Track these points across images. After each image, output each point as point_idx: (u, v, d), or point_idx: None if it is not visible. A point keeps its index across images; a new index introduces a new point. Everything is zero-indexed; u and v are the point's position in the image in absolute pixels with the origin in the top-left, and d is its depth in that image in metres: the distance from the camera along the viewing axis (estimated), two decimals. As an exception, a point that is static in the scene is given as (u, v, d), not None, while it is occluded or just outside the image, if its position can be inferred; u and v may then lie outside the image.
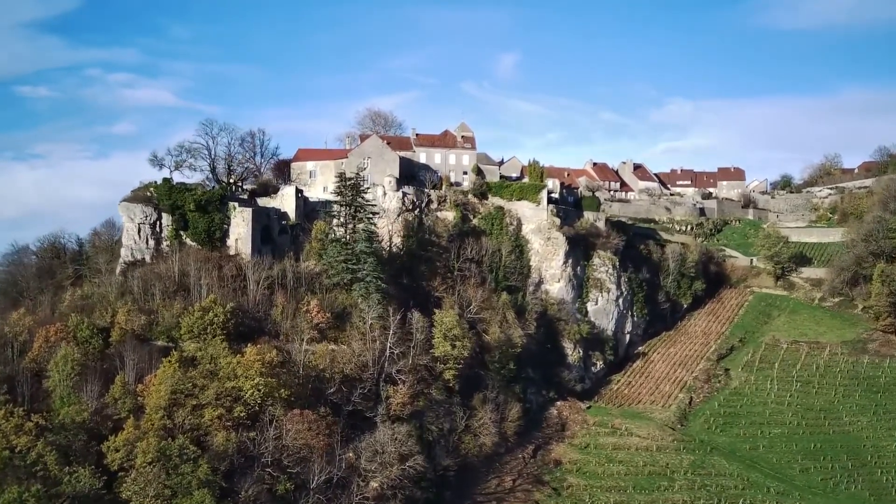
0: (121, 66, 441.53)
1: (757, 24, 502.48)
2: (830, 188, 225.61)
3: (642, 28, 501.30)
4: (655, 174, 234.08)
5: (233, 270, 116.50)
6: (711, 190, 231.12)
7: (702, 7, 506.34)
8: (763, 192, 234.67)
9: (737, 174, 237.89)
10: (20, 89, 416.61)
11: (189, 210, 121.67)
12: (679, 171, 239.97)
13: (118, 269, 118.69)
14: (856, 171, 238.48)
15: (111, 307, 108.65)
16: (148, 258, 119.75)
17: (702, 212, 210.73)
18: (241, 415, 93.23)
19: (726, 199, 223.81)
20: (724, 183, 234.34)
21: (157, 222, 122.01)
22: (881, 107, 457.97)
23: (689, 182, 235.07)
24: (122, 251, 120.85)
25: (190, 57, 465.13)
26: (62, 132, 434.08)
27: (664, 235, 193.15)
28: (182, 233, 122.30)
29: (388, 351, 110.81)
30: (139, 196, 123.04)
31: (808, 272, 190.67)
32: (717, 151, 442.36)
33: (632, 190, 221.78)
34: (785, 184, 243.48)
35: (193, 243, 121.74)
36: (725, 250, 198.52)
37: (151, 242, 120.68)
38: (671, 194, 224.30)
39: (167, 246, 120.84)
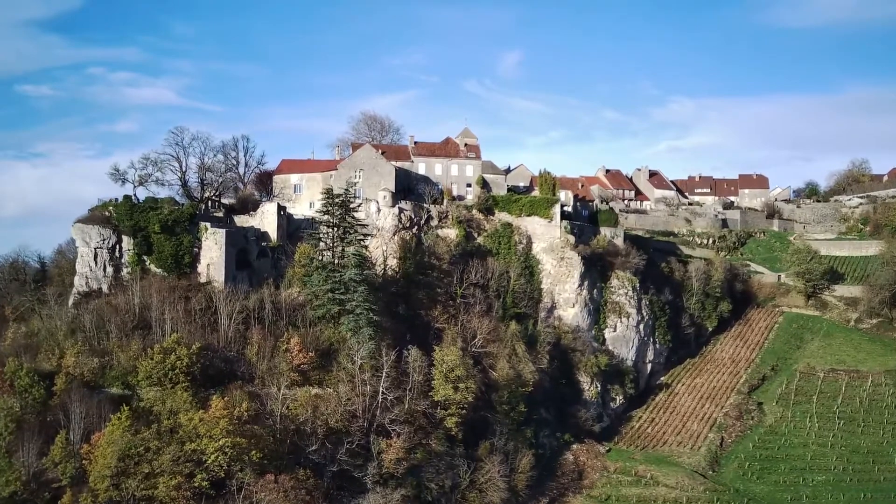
0: (123, 64, 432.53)
1: (759, 21, 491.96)
2: (861, 196, 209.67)
3: (644, 26, 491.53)
4: (672, 181, 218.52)
5: (202, 302, 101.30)
6: (733, 199, 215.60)
7: (704, 5, 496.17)
8: (787, 201, 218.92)
9: (759, 181, 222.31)
10: (22, 88, 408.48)
11: (153, 231, 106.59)
12: (697, 178, 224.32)
13: (71, 301, 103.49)
14: (885, 178, 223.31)
15: (58, 347, 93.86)
16: (105, 288, 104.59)
17: (724, 223, 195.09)
18: (204, 484, 79.07)
19: (749, 208, 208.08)
20: (746, 191, 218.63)
21: (117, 246, 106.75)
22: (885, 105, 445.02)
23: (709, 190, 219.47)
24: (76, 280, 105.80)
25: (192, 55, 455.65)
26: (64, 131, 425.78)
27: (685, 250, 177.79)
28: (145, 258, 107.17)
29: (380, 396, 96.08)
30: (96, 216, 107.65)
31: (841, 290, 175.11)
32: (720, 150, 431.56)
33: (647, 199, 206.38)
34: (811, 192, 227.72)
35: (158, 270, 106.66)
36: (751, 265, 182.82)
37: (110, 270, 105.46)
38: (689, 203, 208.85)
39: (128, 273, 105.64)
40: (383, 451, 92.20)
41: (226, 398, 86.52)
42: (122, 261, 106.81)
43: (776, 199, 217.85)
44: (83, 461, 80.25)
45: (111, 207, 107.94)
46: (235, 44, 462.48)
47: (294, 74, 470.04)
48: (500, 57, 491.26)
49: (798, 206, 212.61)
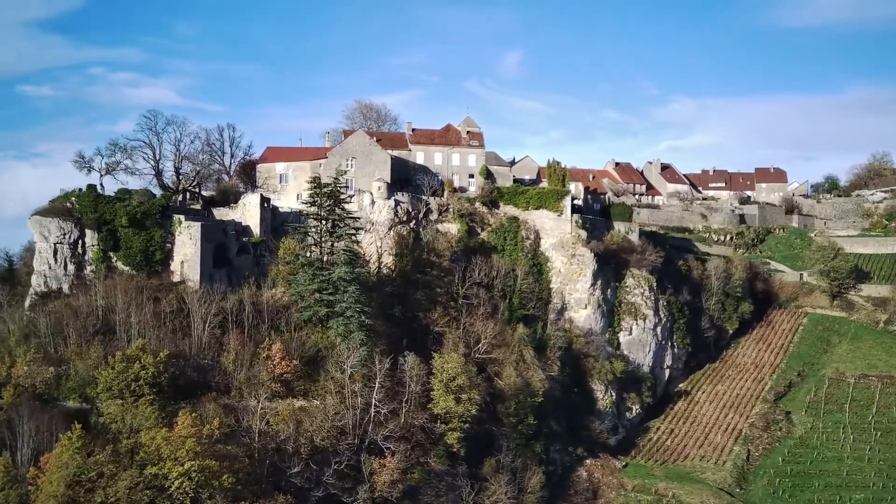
0: (124, 64, 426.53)
1: (761, 21, 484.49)
2: (884, 191, 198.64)
3: (646, 26, 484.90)
4: (685, 175, 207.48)
5: (173, 304, 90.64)
6: (749, 193, 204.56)
7: (705, 5, 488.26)
8: (806, 196, 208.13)
9: (777, 176, 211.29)
10: (22, 88, 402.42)
11: (121, 225, 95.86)
12: (711, 172, 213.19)
13: (27, 302, 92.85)
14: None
15: (9, 355, 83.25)
16: (66, 288, 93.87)
17: (741, 219, 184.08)
18: (167, 514, 68.12)
19: (767, 203, 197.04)
20: (764, 186, 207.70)
21: (80, 241, 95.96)
22: (886, 105, 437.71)
23: (724, 184, 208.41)
24: (33, 279, 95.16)
25: (193, 55, 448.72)
26: (64, 131, 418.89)
27: (701, 247, 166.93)
28: (112, 254, 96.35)
29: (373, 409, 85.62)
30: (56, 208, 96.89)
31: (868, 289, 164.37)
32: (721, 150, 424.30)
33: (659, 194, 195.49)
34: (831, 186, 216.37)
35: (126, 268, 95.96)
36: (771, 263, 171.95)
37: (71, 267, 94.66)
38: (704, 198, 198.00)
39: (92, 272, 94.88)
40: (376, 472, 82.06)
41: (195, 413, 75.95)
42: (86, 258, 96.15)
43: (794, 194, 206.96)
44: (30, 487, 69.86)
45: (73, 198, 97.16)
46: (236, 44, 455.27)
47: (294, 74, 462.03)
48: (500, 57, 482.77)
49: (818, 202, 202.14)
